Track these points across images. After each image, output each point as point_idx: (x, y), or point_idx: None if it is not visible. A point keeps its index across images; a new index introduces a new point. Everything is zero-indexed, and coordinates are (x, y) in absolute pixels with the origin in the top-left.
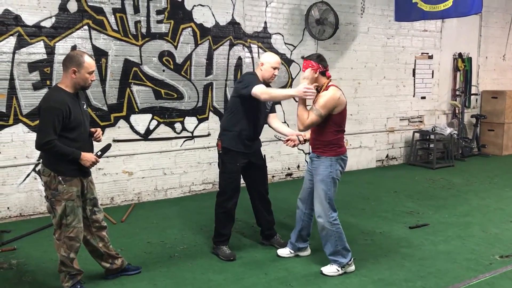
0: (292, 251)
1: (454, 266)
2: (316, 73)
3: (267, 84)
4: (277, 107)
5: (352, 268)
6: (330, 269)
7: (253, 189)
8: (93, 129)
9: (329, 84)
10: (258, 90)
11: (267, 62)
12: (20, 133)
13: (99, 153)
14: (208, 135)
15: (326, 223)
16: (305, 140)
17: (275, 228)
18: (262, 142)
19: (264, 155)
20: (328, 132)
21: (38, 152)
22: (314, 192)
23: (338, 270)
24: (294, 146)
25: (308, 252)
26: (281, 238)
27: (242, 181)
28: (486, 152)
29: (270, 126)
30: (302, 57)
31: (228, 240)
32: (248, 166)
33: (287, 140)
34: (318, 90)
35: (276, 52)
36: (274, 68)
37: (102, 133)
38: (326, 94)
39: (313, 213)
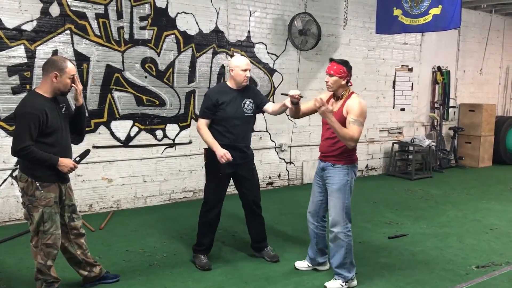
0: (310, 265)
1: (432, 276)
2: (344, 80)
3: (243, 87)
4: (260, 116)
5: (355, 283)
6: (335, 284)
7: (244, 200)
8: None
9: (352, 92)
10: (198, 124)
11: (236, 67)
12: None
13: (77, 159)
14: (190, 142)
15: (341, 234)
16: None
17: (266, 241)
18: None
19: (255, 167)
20: None
21: (15, 158)
22: (329, 202)
23: (342, 285)
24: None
25: (327, 266)
26: (272, 251)
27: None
28: (463, 164)
29: (272, 114)
30: (331, 59)
31: (207, 250)
32: (236, 177)
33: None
34: (339, 97)
35: (259, 61)
36: (245, 70)
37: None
38: (355, 102)
39: (325, 224)
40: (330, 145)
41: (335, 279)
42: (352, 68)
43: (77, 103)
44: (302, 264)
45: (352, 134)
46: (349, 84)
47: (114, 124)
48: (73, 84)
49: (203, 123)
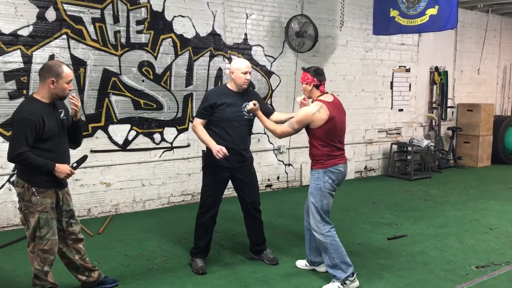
0: (307, 264)
1: (431, 276)
2: (310, 86)
3: (243, 89)
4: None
5: (356, 284)
6: (332, 287)
7: (242, 204)
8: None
9: (316, 99)
10: (194, 123)
11: (236, 69)
12: None
13: (74, 165)
14: (188, 146)
15: (319, 236)
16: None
17: (265, 244)
18: None
19: (254, 171)
20: (314, 145)
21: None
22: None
23: (339, 287)
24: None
25: (324, 268)
26: (271, 253)
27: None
28: (462, 164)
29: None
30: (302, 68)
31: (204, 253)
32: (234, 181)
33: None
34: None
35: (256, 63)
36: (245, 73)
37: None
38: (303, 109)
39: None
40: (309, 150)
41: (333, 281)
42: (320, 74)
43: (74, 118)
44: (301, 263)
45: (274, 128)
46: (320, 89)
47: (111, 128)
48: (72, 100)
49: (198, 122)
